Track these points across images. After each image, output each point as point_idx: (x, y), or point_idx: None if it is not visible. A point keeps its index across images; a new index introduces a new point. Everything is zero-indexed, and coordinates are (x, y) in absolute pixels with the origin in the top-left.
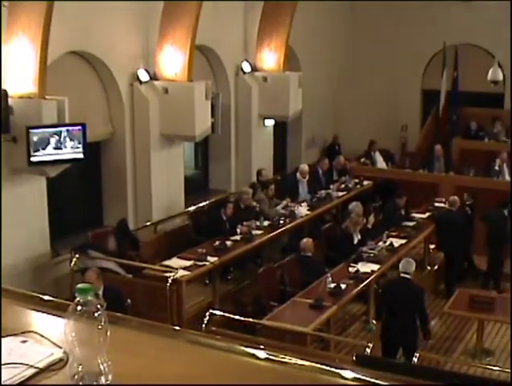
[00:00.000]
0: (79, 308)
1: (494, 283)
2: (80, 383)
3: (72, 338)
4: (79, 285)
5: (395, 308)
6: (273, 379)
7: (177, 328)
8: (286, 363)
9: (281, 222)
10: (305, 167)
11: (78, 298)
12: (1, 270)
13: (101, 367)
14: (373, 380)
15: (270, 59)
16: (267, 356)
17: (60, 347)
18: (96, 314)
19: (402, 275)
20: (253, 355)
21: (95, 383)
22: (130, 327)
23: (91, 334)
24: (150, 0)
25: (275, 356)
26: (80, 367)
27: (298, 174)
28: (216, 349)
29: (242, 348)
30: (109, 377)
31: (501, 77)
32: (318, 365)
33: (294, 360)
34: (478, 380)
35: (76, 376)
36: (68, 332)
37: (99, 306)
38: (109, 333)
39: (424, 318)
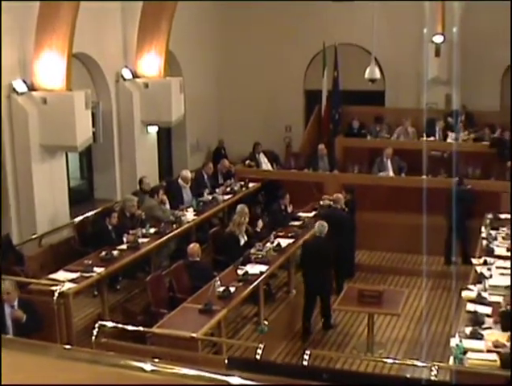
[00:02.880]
0: None
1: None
2: None
3: None
4: None
5: (315, 261)
6: None
7: (50, 344)
8: (172, 373)
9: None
10: (187, 174)
11: None
12: None
13: None
14: (257, 384)
15: (150, 64)
16: (153, 368)
17: None
18: None
19: (317, 235)
20: (140, 368)
21: None
22: None
23: None
24: None
25: (162, 367)
26: None
27: (180, 181)
28: (93, 363)
29: (122, 361)
30: None
31: (378, 75)
32: (205, 373)
33: (181, 370)
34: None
35: None
36: None
37: None
38: None
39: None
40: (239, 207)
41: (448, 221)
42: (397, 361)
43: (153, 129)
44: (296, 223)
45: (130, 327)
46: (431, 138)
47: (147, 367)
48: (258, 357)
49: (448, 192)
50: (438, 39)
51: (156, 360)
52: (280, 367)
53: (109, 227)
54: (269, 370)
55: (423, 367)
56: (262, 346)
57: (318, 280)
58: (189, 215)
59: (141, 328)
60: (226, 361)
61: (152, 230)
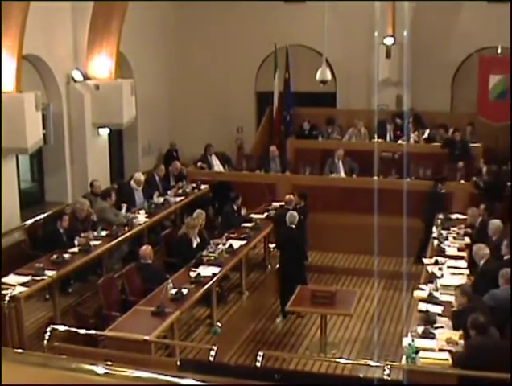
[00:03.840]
0: None
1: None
2: None
3: None
4: None
5: (287, 248)
6: None
7: (1, 348)
8: (125, 376)
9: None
10: (140, 176)
11: None
12: None
13: None
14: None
15: (101, 66)
16: (106, 371)
17: None
18: None
19: (288, 225)
20: (92, 371)
21: None
22: None
23: None
24: None
25: (115, 370)
26: None
27: (132, 183)
28: (45, 367)
29: (74, 364)
30: None
31: (329, 77)
32: (158, 376)
33: (134, 373)
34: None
35: None
36: None
37: None
38: None
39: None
40: (197, 211)
41: (424, 222)
42: (350, 361)
43: (104, 131)
44: (248, 224)
45: (82, 331)
46: (381, 140)
47: (100, 370)
48: (211, 359)
49: (424, 195)
50: (388, 40)
51: (109, 363)
52: (233, 368)
53: (61, 230)
54: (222, 371)
55: (376, 366)
56: (215, 348)
57: (293, 268)
58: (141, 217)
59: (93, 331)
60: (179, 363)
61: (104, 233)
